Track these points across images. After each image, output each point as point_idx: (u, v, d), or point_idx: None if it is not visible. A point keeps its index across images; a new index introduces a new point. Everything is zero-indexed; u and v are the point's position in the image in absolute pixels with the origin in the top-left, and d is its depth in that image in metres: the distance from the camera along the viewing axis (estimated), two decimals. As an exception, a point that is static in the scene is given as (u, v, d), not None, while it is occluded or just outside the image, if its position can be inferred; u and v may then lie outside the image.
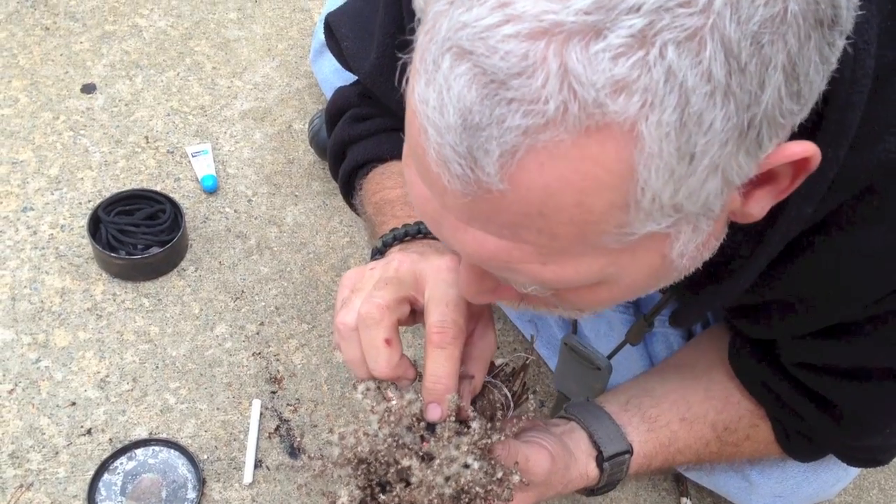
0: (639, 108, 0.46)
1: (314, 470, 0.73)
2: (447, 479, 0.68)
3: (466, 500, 0.69)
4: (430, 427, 0.71)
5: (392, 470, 0.69)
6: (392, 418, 0.71)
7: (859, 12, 0.55)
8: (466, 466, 0.68)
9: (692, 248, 0.58)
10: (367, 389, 0.73)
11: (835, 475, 1.09)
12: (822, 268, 0.72)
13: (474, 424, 0.71)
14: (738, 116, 0.47)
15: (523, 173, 0.49)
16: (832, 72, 0.53)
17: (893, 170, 0.64)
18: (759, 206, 0.58)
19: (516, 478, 0.71)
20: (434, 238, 0.85)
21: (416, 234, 0.87)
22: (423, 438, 0.71)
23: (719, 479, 1.13)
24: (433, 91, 0.50)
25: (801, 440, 0.96)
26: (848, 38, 0.55)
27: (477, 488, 0.68)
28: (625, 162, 0.48)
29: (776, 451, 0.99)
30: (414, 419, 0.71)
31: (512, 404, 0.79)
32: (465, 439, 0.69)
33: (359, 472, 0.70)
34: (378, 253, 0.89)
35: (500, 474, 0.70)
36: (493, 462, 0.71)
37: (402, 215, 0.92)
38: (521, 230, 0.52)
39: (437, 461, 0.69)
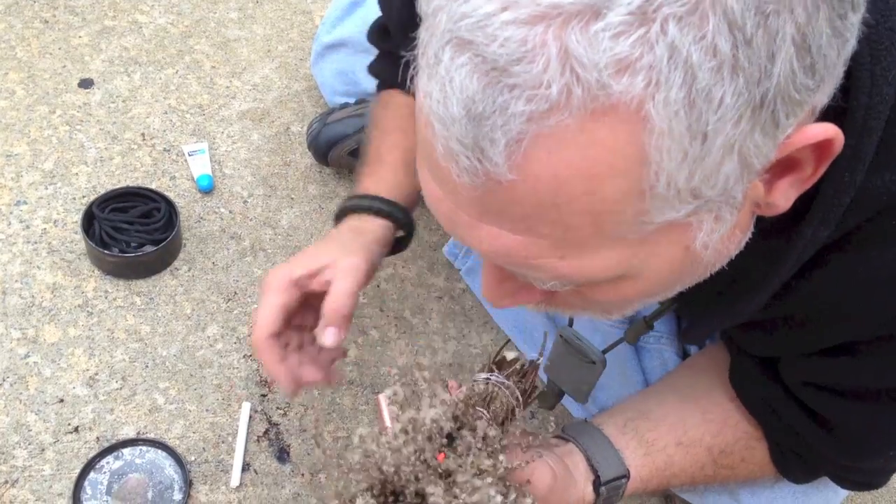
0: (644, 86, 0.45)
1: (303, 476, 0.73)
2: None
3: None
4: (450, 440, 0.71)
5: (411, 488, 0.68)
6: (414, 429, 0.70)
7: (878, 44, 0.55)
8: (489, 499, 0.67)
9: (716, 240, 0.56)
10: (395, 394, 0.73)
11: (824, 497, 1.09)
12: (835, 285, 0.71)
13: (490, 432, 0.70)
14: (748, 92, 0.46)
15: (531, 162, 0.48)
16: (842, 82, 0.53)
17: None
18: (783, 197, 0.56)
19: (528, 500, 0.71)
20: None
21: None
22: (440, 450, 0.70)
23: (709, 499, 1.13)
24: (436, 84, 0.49)
25: (796, 460, 0.95)
26: (863, 62, 0.55)
27: None
28: (635, 145, 0.47)
29: (771, 472, 0.99)
30: (436, 432, 0.70)
31: (522, 406, 0.79)
32: (488, 462, 0.68)
33: (377, 482, 0.70)
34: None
35: (513, 496, 0.69)
36: (508, 484, 0.71)
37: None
38: (534, 223, 0.51)
39: (461, 491, 0.67)
